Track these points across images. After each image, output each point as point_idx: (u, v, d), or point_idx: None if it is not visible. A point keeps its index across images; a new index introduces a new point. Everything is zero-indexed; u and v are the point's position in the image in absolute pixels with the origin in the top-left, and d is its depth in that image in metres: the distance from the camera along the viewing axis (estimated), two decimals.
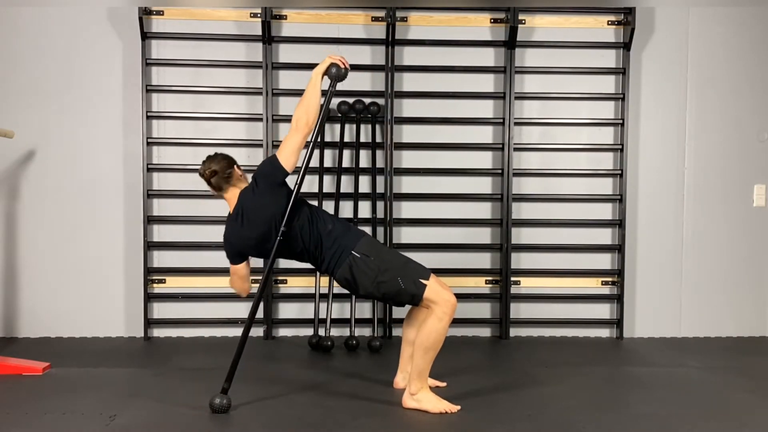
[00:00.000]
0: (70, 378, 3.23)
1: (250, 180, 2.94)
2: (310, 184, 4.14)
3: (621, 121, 4.16)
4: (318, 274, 3.92)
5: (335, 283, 3.99)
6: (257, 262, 4.08)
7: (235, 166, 2.93)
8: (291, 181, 2.86)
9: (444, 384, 3.12)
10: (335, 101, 4.07)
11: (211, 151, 4.06)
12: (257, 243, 2.85)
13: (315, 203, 4.02)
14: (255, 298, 2.87)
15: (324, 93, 2.90)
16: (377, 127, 4.15)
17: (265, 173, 2.85)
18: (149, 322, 4.08)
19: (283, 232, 2.79)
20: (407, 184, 4.18)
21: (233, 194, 2.91)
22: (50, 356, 3.52)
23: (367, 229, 4.09)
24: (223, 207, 4.07)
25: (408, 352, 3.01)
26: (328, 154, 4.16)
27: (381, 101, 4.11)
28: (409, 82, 4.17)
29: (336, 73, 2.85)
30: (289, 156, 2.82)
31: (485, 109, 4.21)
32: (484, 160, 4.22)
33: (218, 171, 2.88)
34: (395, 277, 2.78)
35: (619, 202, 4.19)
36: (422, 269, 2.83)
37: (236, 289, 3.05)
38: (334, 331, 3.99)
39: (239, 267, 2.97)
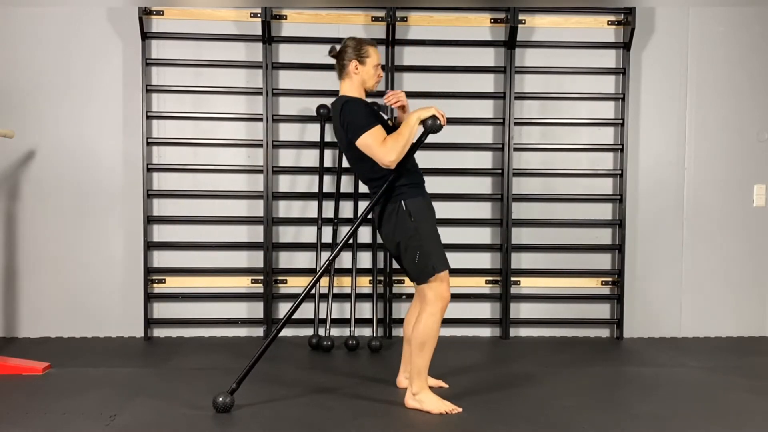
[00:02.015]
0: (70, 378, 3.23)
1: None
2: (310, 184, 4.14)
3: (621, 121, 4.16)
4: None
5: (335, 283, 4.04)
6: (258, 263, 4.10)
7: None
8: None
9: (446, 385, 3.12)
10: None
11: (211, 151, 4.13)
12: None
13: (315, 203, 4.06)
14: (299, 298, 2.91)
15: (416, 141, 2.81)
16: None
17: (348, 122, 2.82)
18: (149, 322, 4.08)
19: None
20: None
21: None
22: (50, 356, 3.52)
23: (367, 230, 4.10)
24: (223, 206, 4.11)
25: (409, 351, 3.01)
26: (328, 154, 4.16)
27: (381, 101, 4.10)
28: (409, 82, 4.17)
29: (432, 125, 2.76)
30: (367, 143, 2.74)
31: (485, 109, 4.21)
32: (484, 160, 4.22)
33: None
34: (416, 250, 2.79)
35: (619, 202, 4.19)
36: (443, 261, 2.84)
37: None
38: (334, 331, 3.99)
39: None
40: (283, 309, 4.15)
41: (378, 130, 2.77)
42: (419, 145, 2.83)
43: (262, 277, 4.10)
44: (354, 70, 2.93)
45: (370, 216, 2.93)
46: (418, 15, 4.14)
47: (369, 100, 3.02)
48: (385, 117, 2.96)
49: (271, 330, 4.10)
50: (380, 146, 2.74)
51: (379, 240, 4.05)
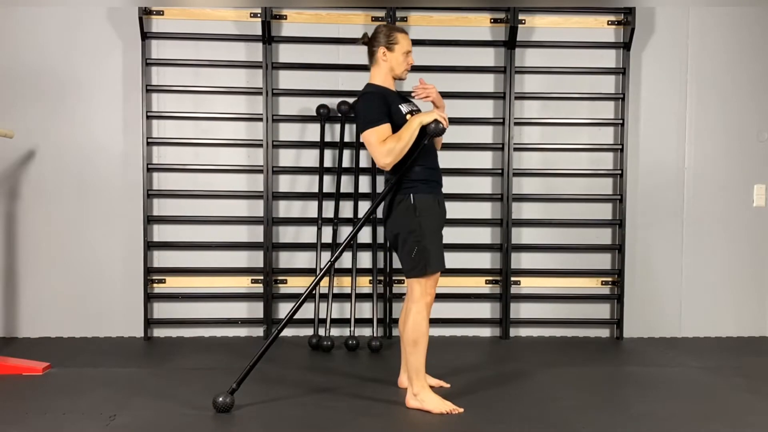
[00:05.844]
0: (70, 378, 3.23)
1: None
2: (310, 184, 4.14)
3: (621, 121, 4.16)
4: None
5: (335, 283, 4.04)
6: (258, 263, 4.10)
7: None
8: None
9: (447, 384, 3.12)
10: (335, 101, 4.08)
11: (211, 151, 4.13)
12: None
13: (315, 203, 4.06)
14: (301, 298, 2.94)
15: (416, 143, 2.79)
16: None
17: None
18: (149, 322, 4.08)
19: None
20: None
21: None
22: (50, 356, 3.52)
23: (367, 230, 4.10)
24: (223, 206, 4.11)
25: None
26: (328, 154, 4.16)
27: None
28: (409, 81, 4.16)
29: (434, 129, 2.78)
30: (369, 140, 2.78)
31: (485, 109, 4.21)
32: (484, 160, 4.22)
33: None
34: (414, 246, 2.79)
35: (619, 202, 4.19)
36: (440, 262, 2.84)
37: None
38: (334, 331, 3.99)
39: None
40: (283, 309, 4.15)
41: (383, 129, 2.76)
42: (419, 147, 2.80)
43: (262, 277, 4.10)
44: (382, 56, 2.92)
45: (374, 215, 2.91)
46: (418, 15, 4.14)
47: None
48: (415, 107, 2.95)
49: (271, 330, 4.09)
50: (380, 145, 2.75)
51: (380, 240, 4.07)
